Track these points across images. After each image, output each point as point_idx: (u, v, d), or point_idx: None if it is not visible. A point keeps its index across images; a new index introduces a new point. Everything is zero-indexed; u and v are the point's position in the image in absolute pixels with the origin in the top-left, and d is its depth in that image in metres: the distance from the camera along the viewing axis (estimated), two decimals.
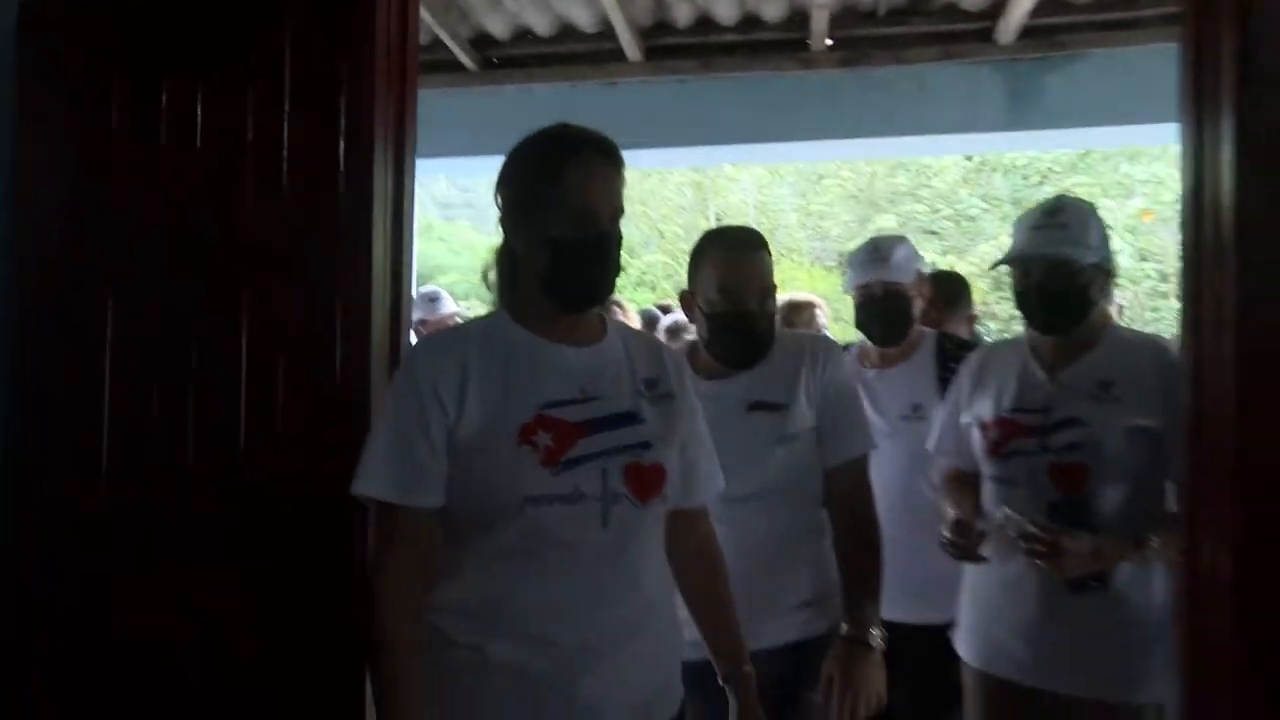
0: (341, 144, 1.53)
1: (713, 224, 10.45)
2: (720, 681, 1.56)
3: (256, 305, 1.54)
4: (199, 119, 1.56)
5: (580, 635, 1.34)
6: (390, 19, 1.57)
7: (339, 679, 1.49)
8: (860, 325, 2.30)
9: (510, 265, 1.43)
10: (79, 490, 1.56)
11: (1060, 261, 1.76)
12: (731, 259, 1.85)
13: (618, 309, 3.66)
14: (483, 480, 1.33)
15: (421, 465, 1.32)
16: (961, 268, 7.53)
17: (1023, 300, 1.83)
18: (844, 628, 1.74)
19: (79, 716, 1.57)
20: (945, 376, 2.16)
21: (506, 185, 1.41)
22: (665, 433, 1.43)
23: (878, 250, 2.27)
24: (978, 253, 11.45)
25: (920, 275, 2.30)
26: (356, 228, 1.54)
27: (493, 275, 1.46)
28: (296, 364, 1.55)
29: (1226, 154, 1.32)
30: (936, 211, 12.66)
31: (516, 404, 1.34)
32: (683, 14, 3.63)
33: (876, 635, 1.73)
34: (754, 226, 2.38)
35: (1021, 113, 3.76)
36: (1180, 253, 1.44)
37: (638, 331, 1.65)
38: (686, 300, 1.94)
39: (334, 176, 1.53)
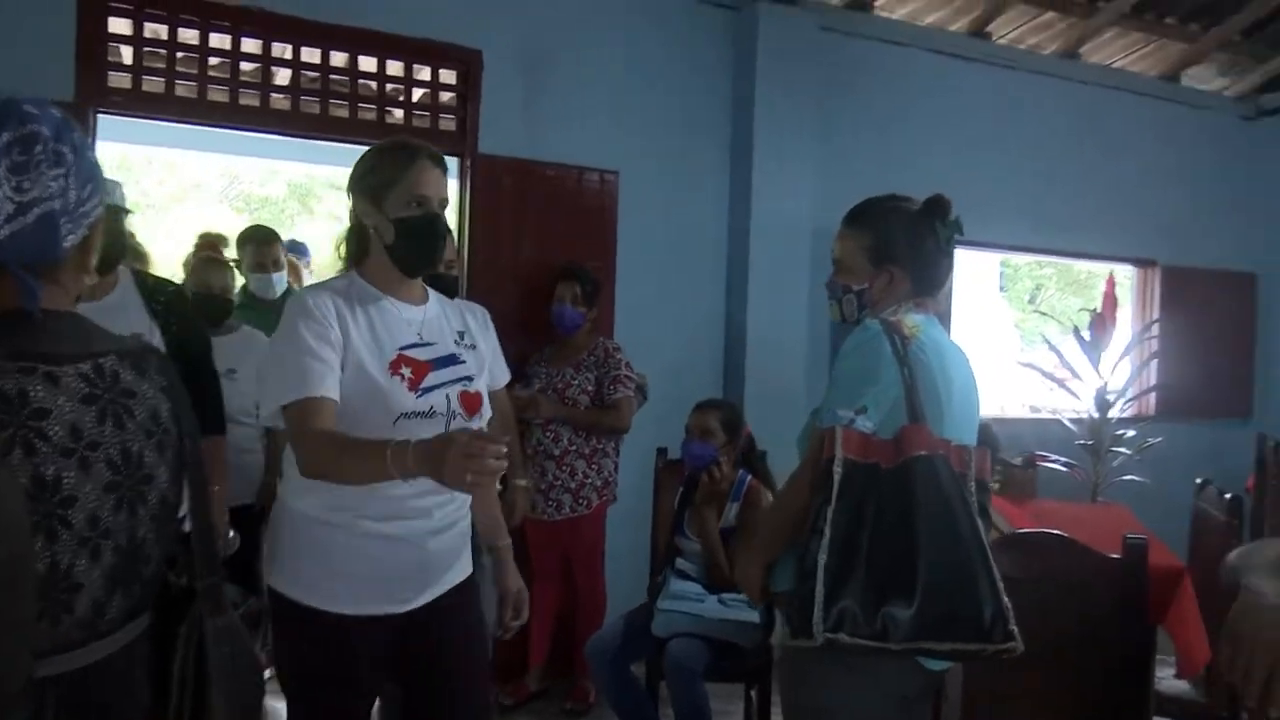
0: None
1: None
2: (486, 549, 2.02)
3: None
4: None
5: (430, 513, 1.69)
6: None
7: None
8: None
9: (360, 239, 1.72)
10: None
11: None
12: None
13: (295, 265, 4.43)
14: (366, 399, 1.62)
15: (325, 368, 1.58)
16: None
17: None
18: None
19: None
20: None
21: (361, 179, 1.70)
22: (478, 372, 1.79)
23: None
24: None
25: None
26: None
27: (343, 248, 1.77)
28: None
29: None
30: None
31: (383, 344, 1.66)
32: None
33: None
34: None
35: None
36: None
37: (443, 297, 1.88)
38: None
39: None
